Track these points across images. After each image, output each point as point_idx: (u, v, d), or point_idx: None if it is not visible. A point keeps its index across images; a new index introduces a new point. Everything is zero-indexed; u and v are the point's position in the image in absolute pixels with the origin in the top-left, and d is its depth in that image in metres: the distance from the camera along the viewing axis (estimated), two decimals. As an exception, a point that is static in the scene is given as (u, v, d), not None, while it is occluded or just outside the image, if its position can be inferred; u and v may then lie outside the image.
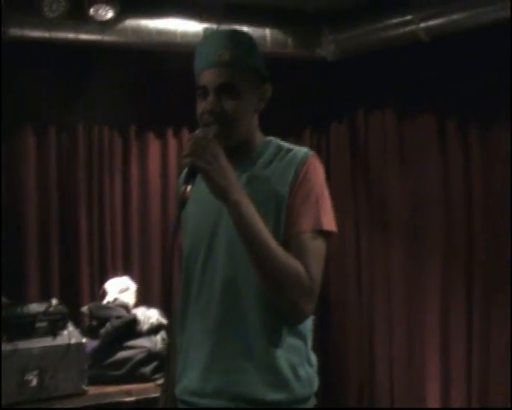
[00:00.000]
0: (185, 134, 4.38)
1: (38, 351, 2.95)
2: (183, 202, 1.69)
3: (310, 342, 1.89)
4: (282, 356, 1.78)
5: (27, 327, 3.04)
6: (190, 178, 1.70)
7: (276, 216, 1.80)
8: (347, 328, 4.76)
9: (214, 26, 3.87)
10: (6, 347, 2.92)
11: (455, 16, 3.69)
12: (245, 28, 3.92)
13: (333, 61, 4.37)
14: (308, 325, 1.88)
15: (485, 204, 3.95)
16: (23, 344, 2.96)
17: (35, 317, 3.07)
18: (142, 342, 3.29)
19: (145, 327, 3.34)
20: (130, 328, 3.30)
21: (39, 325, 3.06)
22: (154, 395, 3.00)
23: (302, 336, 1.85)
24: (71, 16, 3.54)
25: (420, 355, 4.32)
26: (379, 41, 4.09)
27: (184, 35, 3.87)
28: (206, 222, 1.86)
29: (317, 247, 1.79)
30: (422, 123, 4.30)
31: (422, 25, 3.80)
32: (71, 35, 3.66)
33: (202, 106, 1.82)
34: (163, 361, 3.24)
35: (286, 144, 1.93)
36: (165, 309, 3.54)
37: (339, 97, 4.74)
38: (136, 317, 3.35)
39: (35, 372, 2.91)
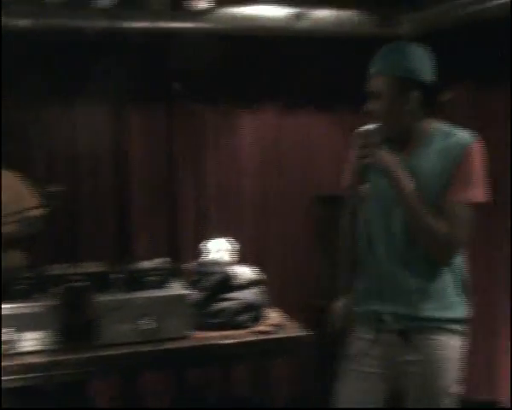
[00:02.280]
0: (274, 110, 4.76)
1: (150, 300, 3.30)
2: (363, 198, 2.42)
3: (461, 279, 2.48)
4: (438, 287, 2.43)
5: (140, 280, 3.45)
6: (364, 175, 2.37)
7: (440, 188, 2.37)
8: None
9: (299, 10, 4.20)
10: (122, 296, 3.33)
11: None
12: (328, 11, 4.29)
13: (413, 38, 4.48)
14: (459, 266, 2.48)
15: None
16: (137, 294, 3.35)
17: (146, 272, 3.50)
18: (238, 294, 3.64)
19: (241, 282, 3.73)
20: (228, 282, 3.68)
21: (151, 278, 3.46)
22: (249, 339, 3.41)
23: (454, 273, 2.46)
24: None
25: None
26: (459, 18, 4.29)
27: (271, 19, 4.23)
28: (388, 196, 2.45)
29: (460, 213, 2.36)
30: (496, 97, 4.50)
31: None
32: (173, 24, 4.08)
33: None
34: (256, 311, 3.63)
35: (453, 130, 2.45)
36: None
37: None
38: (233, 273, 3.74)
39: (147, 318, 3.31)
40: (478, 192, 2.37)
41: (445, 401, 2.47)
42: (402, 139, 2.47)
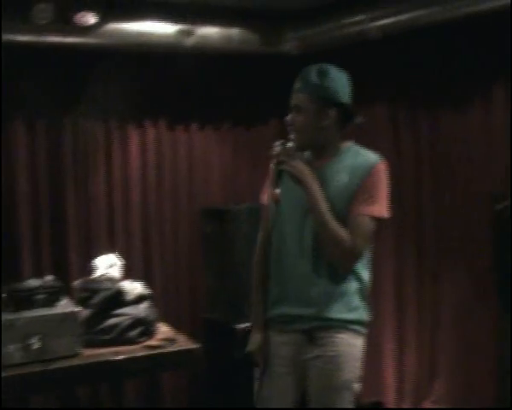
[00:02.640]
0: (162, 125, 4.83)
1: (38, 319, 3.27)
2: (276, 202, 2.60)
3: (364, 285, 2.67)
4: (342, 292, 2.61)
5: (28, 299, 3.40)
6: (278, 180, 2.57)
7: (346, 200, 2.57)
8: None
9: (187, 28, 4.29)
10: (10, 316, 3.28)
11: (402, 17, 4.16)
12: (215, 29, 4.38)
13: (295, 55, 4.72)
14: (363, 274, 2.66)
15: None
16: (24, 313, 3.31)
17: (34, 290, 3.45)
18: (129, 310, 3.68)
19: (131, 297, 3.74)
20: (118, 298, 3.69)
21: (38, 297, 3.42)
22: (141, 354, 3.45)
23: (357, 280, 2.65)
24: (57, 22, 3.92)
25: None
26: (335, 38, 4.51)
27: (160, 36, 4.27)
28: (300, 201, 2.61)
29: (364, 226, 2.56)
30: (375, 111, 4.76)
31: (373, 24, 4.24)
32: (57, 39, 4.05)
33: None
34: (147, 326, 3.66)
35: (363, 150, 2.68)
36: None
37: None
38: (122, 288, 3.75)
39: (36, 338, 3.27)
40: (380, 208, 2.59)
41: (344, 395, 2.64)
42: (317, 152, 2.68)
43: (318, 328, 2.64)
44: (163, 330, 3.85)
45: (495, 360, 4.19)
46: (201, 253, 4.90)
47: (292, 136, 2.64)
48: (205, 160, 5.01)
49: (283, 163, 2.58)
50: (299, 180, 2.56)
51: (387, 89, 4.71)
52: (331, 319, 2.62)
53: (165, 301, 4.73)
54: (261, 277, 2.81)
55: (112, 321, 3.59)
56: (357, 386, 2.68)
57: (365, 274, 2.70)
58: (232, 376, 4.50)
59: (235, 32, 4.49)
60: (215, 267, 4.77)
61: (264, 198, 2.84)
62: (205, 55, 4.56)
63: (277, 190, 2.58)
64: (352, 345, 2.66)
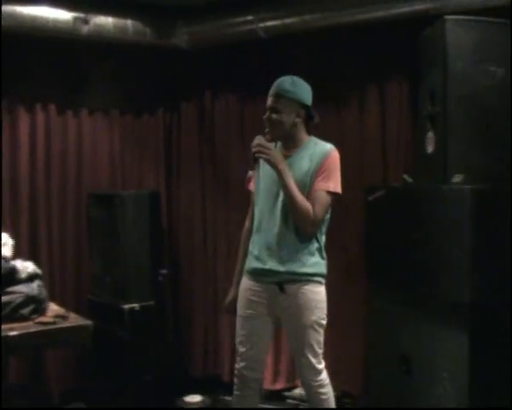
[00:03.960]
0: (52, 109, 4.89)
1: None
2: (248, 182, 3.54)
3: (321, 246, 3.39)
4: (305, 251, 3.33)
5: None
6: (255, 164, 3.27)
7: (308, 180, 3.29)
8: (195, 288, 5.36)
9: (82, 16, 4.39)
10: None
11: (287, 20, 4.48)
12: (109, 19, 4.51)
13: (186, 49, 4.96)
14: (321, 238, 3.39)
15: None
16: None
17: None
18: (21, 288, 3.75)
19: (23, 276, 3.82)
20: (10, 276, 3.76)
21: None
22: (33, 330, 3.54)
23: (316, 242, 3.37)
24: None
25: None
26: (225, 35, 4.78)
27: (55, 22, 4.34)
28: (274, 183, 3.33)
29: (321, 199, 3.29)
30: (260, 105, 5.04)
31: (261, 24, 4.55)
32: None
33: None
34: (39, 304, 3.75)
35: (319, 141, 3.42)
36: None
37: (190, 81, 5.33)
38: (15, 267, 3.82)
39: None
40: (334, 184, 3.32)
41: (316, 329, 3.36)
42: (287, 143, 3.42)
43: (287, 281, 3.34)
44: (54, 308, 3.95)
45: (365, 345, 4.56)
46: (88, 237, 5.00)
47: (268, 130, 3.35)
48: (94, 145, 5.10)
49: (261, 153, 3.22)
50: (273, 165, 3.22)
51: (271, 85, 4.98)
52: (298, 273, 3.33)
53: (51, 282, 4.78)
54: (245, 246, 3.56)
55: (4, 299, 3.66)
56: (324, 322, 3.40)
57: (322, 238, 3.42)
58: (117, 356, 4.64)
59: (129, 23, 4.63)
60: (101, 251, 4.89)
61: (250, 185, 3.59)
62: (99, 44, 4.67)
63: (250, 173, 3.43)
64: (315, 292, 3.37)
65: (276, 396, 5.08)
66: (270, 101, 3.38)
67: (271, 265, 3.36)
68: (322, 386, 3.45)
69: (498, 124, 3.74)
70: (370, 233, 4.31)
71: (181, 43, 4.90)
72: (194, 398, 4.94)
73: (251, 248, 3.48)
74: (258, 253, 3.42)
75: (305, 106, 3.38)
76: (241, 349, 3.50)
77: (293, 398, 5.05)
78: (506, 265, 3.61)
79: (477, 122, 3.71)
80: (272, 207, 3.38)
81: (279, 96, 3.35)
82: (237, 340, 3.52)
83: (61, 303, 4.18)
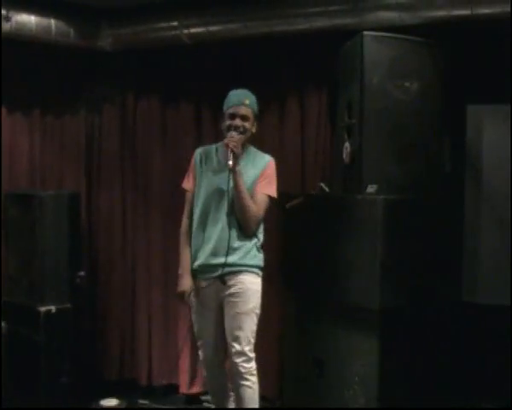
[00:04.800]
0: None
1: None
2: (233, 170, 3.64)
3: (259, 242, 3.82)
4: (244, 246, 3.75)
5: None
6: (234, 158, 3.61)
7: (253, 184, 3.74)
8: (113, 291, 5.34)
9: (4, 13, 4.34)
10: None
11: (211, 28, 4.56)
12: (32, 17, 4.47)
13: (110, 51, 4.97)
14: (259, 235, 3.84)
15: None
16: None
17: None
18: None
19: None
20: None
21: None
22: None
23: (255, 238, 3.81)
24: None
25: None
26: (149, 40, 4.81)
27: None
28: (221, 180, 3.74)
29: (263, 201, 3.76)
30: (182, 110, 5.10)
31: (185, 31, 4.60)
32: None
33: (232, 122, 3.74)
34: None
35: (258, 151, 3.91)
36: None
37: (113, 83, 5.29)
38: None
39: None
40: (272, 190, 3.81)
41: (251, 317, 3.74)
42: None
43: (228, 273, 3.72)
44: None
45: (280, 349, 4.68)
46: (3, 237, 4.91)
47: (236, 137, 3.66)
48: (12, 145, 5.02)
49: (236, 149, 3.61)
50: (235, 166, 3.62)
51: (194, 90, 5.09)
52: (237, 265, 3.72)
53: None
54: (186, 237, 3.88)
55: None
56: (258, 311, 3.77)
57: (261, 235, 3.85)
58: (33, 358, 4.58)
59: (52, 22, 4.59)
60: (17, 251, 4.81)
61: (187, 184, 3.93)
62: (20, 42, 4.62)
63: (230, 162, 3.61)
64: (253, 283, 3.77)
65: (192, 400, 5.11)
66: (240, 109, 3.74)
67: (214, 260, 3.73)
68: (251, 374, 3.75)
69: (412, 137, 3.91)
70: (286, 240, 4.42)
71: (105, 45, 4.91)
72: (110, 401, 4.93)
73: (194, 244, 3.83)
74: (200, 249, 3.79)
75: (256, 115, 3.84)
76: (200, 342, 3.93)
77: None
78: (414, 273, 3.77)
79: (392, 134, 3.86)
80: (218, 205, 3.76)
81: (247, 105, 3.76)
82: (196, 332, 3.93)
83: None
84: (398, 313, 3.76)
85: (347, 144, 4.00)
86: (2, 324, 4.60)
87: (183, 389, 5.11)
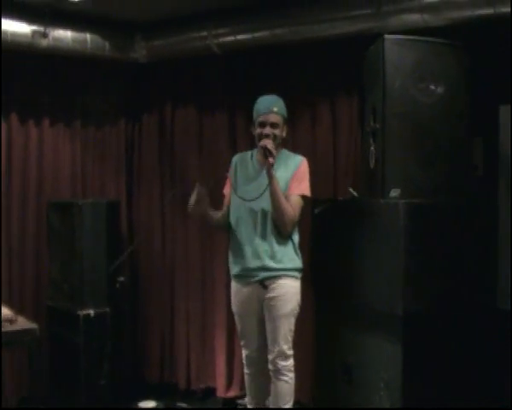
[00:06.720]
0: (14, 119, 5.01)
1: None
2: (269, 174, 3.74)
3: (296, 244, 3.94)
4: (283, 249, 3.87)
5: None
6: (271, 155, 3.71)
7: (286, 185, 3.85)
8: (153, 296, 5.47)
9: (42, 29, 4.51)
10: None
11: (239, 36, 4.63)
12: (68, 32, 4.62)
13: (145, 63, 5.12)
14: (295, 237, 3.94)
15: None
16: None
17: None
18: (-30, 293, 3.84)
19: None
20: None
21: None
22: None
23: (292, 241, 3.92)
24: None
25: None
26: (181, 50, 4.92)
27: (14, 35, 4.45)
28: (257, 185, 3.88)
29: (297, 202, 3.87)
30: (217, 118, 5.18)
31: (215, 40, 4.69)
32: None
33: (263, 130, 3.85)
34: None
35: (290, 153, 4.04)
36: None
37: (150, 94, 5.46)
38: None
39: None
40: (305, 187, 3.90)
41: (290, 319, 3.90)
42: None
43: (268, 277, 3.86)
44: (4, 312, 4.03)
45: (314, 355, 4.67)
46: (47, 244, 5.08)
47: (270, 145, 3.72)
48: (55, 155, 5.19)
49: (271, 156, 3.71)
50: (270, 170, 3.71)
51: (228, 98, 5.16)
52: (276, 269, 3.85)
53: (10, 289, 4.88)
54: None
55: (-47, 302, 3.75)
56: (297, 311, 3.93)
57: (296, 236, 3.95)
58: (75, 361, 4.73)
59: (88, 36, 4.75)
60: (59, 258, 4.97)
61: (225, 190, 4.09)
62: (58, 57, 4.80)
63: (271, 159, 3.71)
64: (292, 286, 3.90)
65: (229, 404, 5.17)
66: (269, 117, 3.85)
67: (254, 263, 3.87)
68: (289, 370, 3.93)
69: (437, 140, 3.85)
70: (315, 246, 4.43)
71: (139, 57, 5.05)
72: (149, 403, 5.04)
73: (232, 249, 4.02)
74: (238, 255, 3.95)
75: (286, 121, 3.95)
76: (243, 342, 4.12)
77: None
78: (439, 278, 3.72)
79: (416, 138, 3.82)
80: (254, 210, 3.88)
81: (275, 112, 3.85)
82: (241, 334, 4.12)
83: (19, 309, 4.25)
84: (421, 319, 3.71)
85: (373, 149, 3.99)
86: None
87: (221, 393, 5.18)
